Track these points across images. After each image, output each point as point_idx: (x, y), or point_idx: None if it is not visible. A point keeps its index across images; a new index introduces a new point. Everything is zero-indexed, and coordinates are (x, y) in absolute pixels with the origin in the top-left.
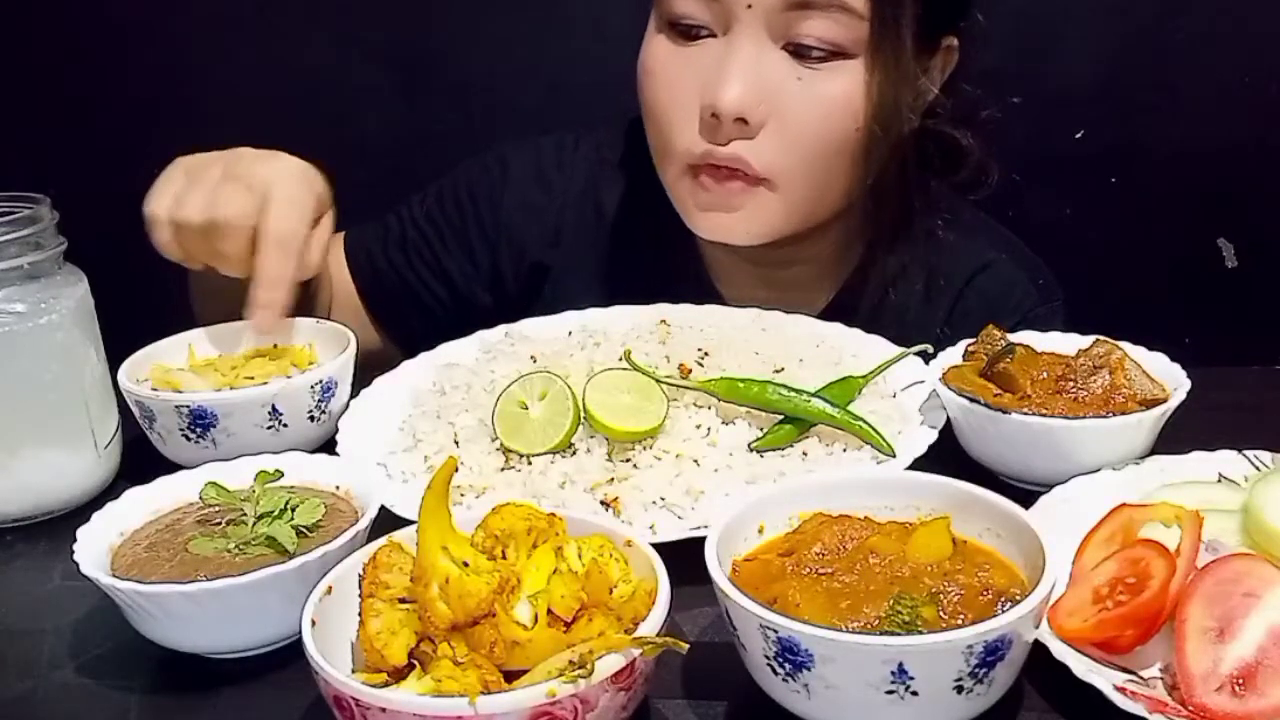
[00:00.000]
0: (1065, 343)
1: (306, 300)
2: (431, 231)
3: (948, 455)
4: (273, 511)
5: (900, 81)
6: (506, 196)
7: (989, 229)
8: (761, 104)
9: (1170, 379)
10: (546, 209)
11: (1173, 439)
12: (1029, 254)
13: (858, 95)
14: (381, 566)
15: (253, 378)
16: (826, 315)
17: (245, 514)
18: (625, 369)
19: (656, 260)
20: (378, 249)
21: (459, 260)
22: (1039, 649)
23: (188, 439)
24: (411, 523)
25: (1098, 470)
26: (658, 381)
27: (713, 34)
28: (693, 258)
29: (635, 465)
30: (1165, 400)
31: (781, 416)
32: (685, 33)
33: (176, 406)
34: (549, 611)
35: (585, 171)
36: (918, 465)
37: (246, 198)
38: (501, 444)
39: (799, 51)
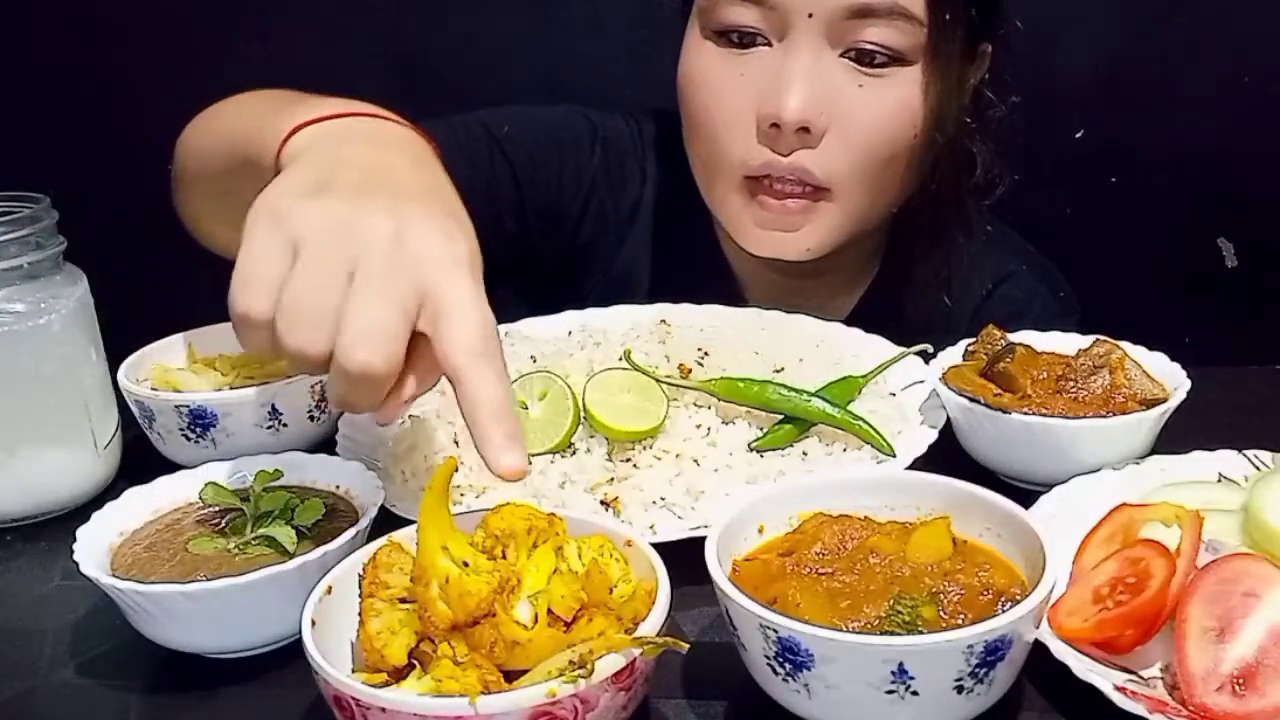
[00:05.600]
0: (1065, 342)
1: None
2: (520, 157)
3: (948, 455)
4: (272, 511)
5: (955, 87)
6: (597, 157)
7: (1007, 238)
8: (823, 113)
9: (1170, 379)
10: (626, 186)
11: (1173, 439)
12: (1048, 265)
13: (916, 101)
14: (381, 566)
15: (252, 377)
16: (850, 324)
17: (245, 514)
18: (625, 369)
19: (684, 264)
20: (480, 158)
21: (540, 193)
22: (1039, 649)
23: (187, 439)
24: (411, 523)
25: (1098, 470)
26: (658, 381)
27: (766, 42)
28: (719, 264)
29: (635, 465)
30: (1165, 400)
31: (781, 416)
32: (736, 41)
33: (176, 406)
34: (549, 611)
35: (654, 160)
36: (918, 465)
37: (398, 306)
38: None
39: (858, 59)
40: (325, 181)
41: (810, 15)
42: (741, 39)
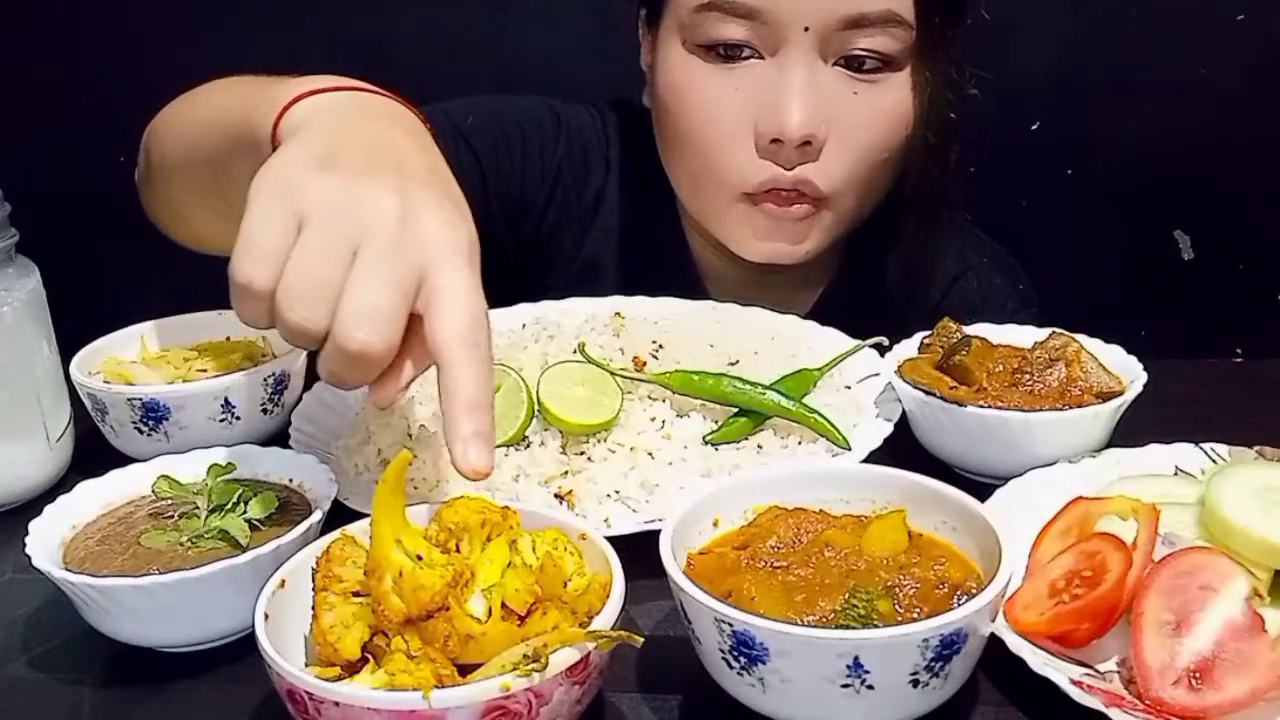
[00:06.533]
0: (1021, 335)
1: None
2: (485, 148)
3: (903, 448)
4: (225, 504)
5: (944, 83)
6: (561, 148)
7: (966, 231)
8: (824, 125)
9: (1127, 371)
10: (589, 177)
11: (1129, 432)
12: (1007, 257)
13: (907, 103)
14: (335, 560)
15: (205, 370)
16: (811, 317)
17: (198, 507)
18: (579, 361)
19: (648, 254)
20: (444, 150)
21: (505, 183)
22: (995, 642)
23: (140, 432)
24: (365, 516)
25: (1054, 463)
26: (612, 374)
27: (756, 54)
28: (683, 253)
29: (590, 458)
30: (1121, 393)
31: (736, 409)
32: (725, 55)
33: (129, 399)
34: (503, 605)
35: (617, 150)
36: (873, 458)
37: (398, 288)
38: None
39: (850, 66)
40: (332, 156)
41: (806, 29)
42: (728, 51)
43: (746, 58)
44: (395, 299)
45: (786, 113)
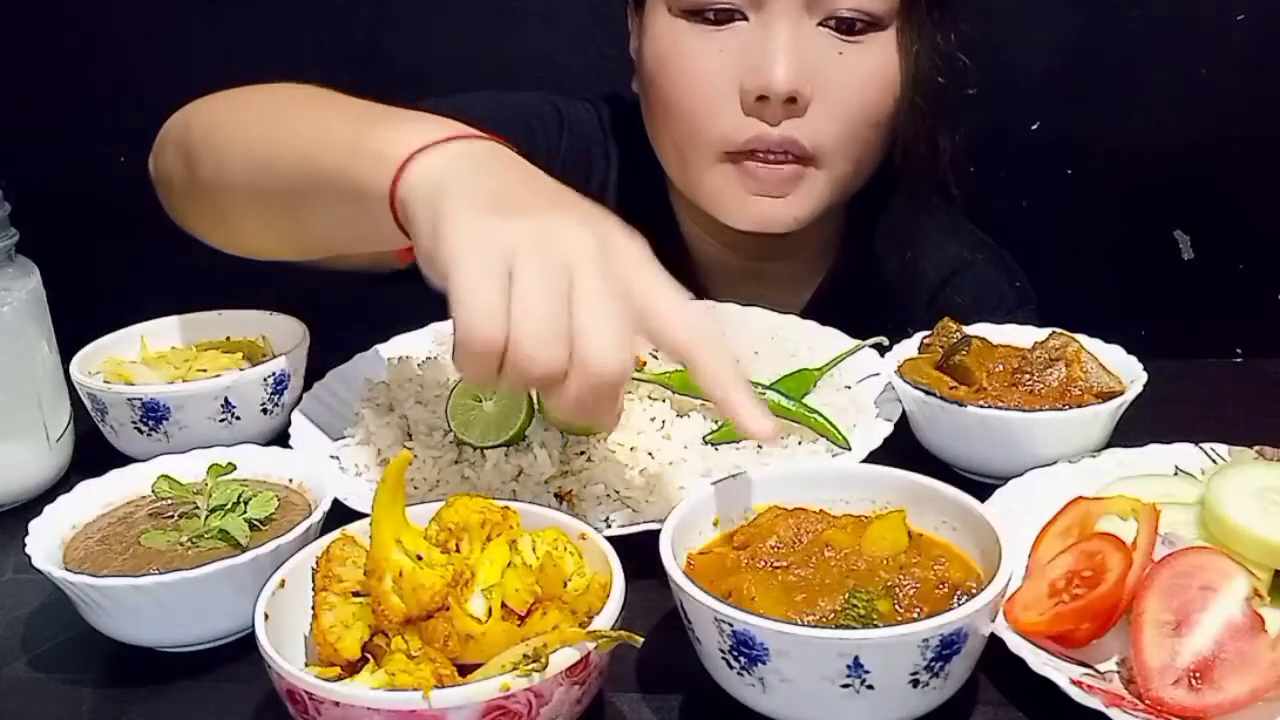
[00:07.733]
0: (1021, 335)
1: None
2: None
3: (903, 448)
4: (225, 504)
5: (928, 48)
6: (564, 143)
7: (963, 228)
8: (809, 82)
9: (1127, 371)
10: (591, 172)
11: (1129, 432)
12: (1003, 254)
13: (894, 65)
14: (335, 560)
15: (205, 370)
16: (808, 311)
17: (198, 507)
18: None
19: None
20: None
21: None
22: (995, 642)
23: (140, 432)
24: (365, 516)
25: (1054, 463)
26: None
27: (743, 17)
28: (679, 253)
29: (589, 458)
30: (1121, 393)
31: None
32: (710, 19)
33: (129, 399)
34: (503, 605)
35: (615, 145)
36: (873, 458)
37: (624, 312)
38: (455, 437)
39: (837, 27)
40: (503, 203)
41: None
42: (717, 16)
43: (732, 20)
44: (626, 322)
45: (771, 68)
